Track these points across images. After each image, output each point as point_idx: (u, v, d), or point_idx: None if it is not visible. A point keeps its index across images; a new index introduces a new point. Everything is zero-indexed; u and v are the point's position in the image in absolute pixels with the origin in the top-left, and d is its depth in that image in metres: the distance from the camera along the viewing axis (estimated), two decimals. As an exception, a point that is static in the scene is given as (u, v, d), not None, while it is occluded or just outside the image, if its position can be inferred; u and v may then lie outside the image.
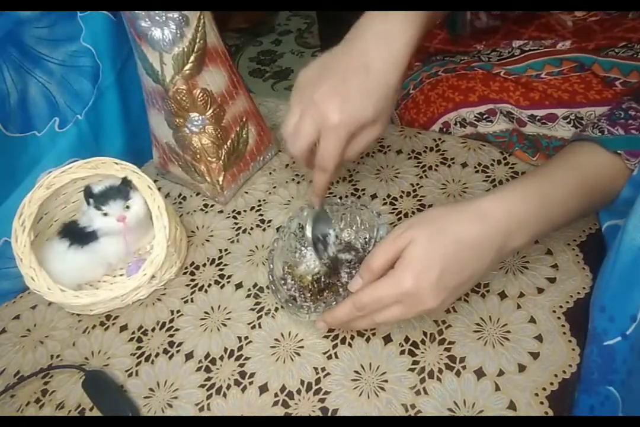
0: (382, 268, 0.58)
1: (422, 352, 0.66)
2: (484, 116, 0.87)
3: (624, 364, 0.56)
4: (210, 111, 0.80)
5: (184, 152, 0.84)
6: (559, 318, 0.66)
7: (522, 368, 0.62)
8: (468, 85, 0.88)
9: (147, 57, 0.74)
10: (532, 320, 0.66)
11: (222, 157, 0.84)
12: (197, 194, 0.91)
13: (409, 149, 0.89)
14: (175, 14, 0.71)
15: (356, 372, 0.65)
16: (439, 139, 0.90)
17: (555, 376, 0.61)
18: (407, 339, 0.67)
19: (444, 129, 0.92)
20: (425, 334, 0.67)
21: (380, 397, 0.63)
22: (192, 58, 0.74)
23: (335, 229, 0.73)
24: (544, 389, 0.60)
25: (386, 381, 0.64)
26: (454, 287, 0.56)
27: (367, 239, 0.74)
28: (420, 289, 0.54)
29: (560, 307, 0.66)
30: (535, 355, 0.63)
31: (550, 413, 0.59)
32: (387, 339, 0.67)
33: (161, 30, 0.72)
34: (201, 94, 0.78)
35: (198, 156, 0.83)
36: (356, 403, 0.63)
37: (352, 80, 0.61)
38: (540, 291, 0.69)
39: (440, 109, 0.91)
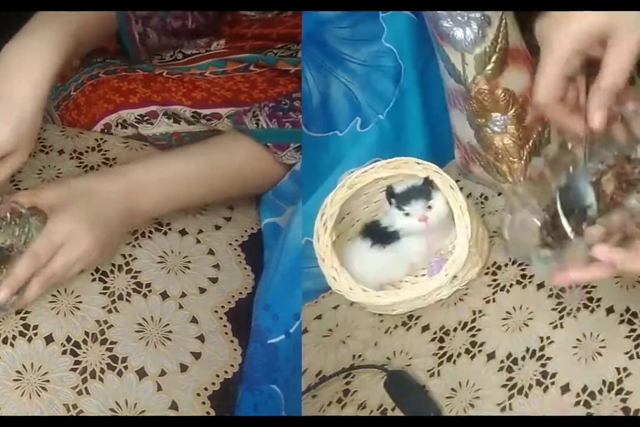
0: None
1: (84, 352, 0.66)
2: (145, 118, 0.87)
3: (287, 362, 0.62)
4: (512, 111, 0.76)
5: (486, 152, 0.79)
6: (221, 318, 0.69)
7: (184, 368, 0.65)
8: (129, 87, 0.88)
9: (449, 57, 0.76)
10: (194, 320, 0.68)
11: (524, 158, 0.78)
12: (499, 194, 0.84)
13: (70, 149, 0.87)
14: (477, 14, 0.72)
15: (18, 372, 0.64)
16: (101, 139, 0.88)
17: (217, 376, 0.65)
18: (69, 339, 0.66)
19: (106, 130, 0.90)
20: (87, 333, 0.67)
21: (42, 398, 0.62)
22: (494, 58, 0.74)
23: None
24: (206, 389, 0.64)
25: (48, 381, 0.63)
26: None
27: None
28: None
29: (223, 307, 0.69)
30: (197, 355, 0.66)
31: (213, 413, 0.62)
32: (49, 339, 0.66)
33: (463, 30, 0.74)
34: (503, 94, 0.75)
35: (500, 156, 0.79)
36: (18, 403, 0.62)
37: None
38: (203, 290, 0.71)
39: (101, 110, 0.90)
